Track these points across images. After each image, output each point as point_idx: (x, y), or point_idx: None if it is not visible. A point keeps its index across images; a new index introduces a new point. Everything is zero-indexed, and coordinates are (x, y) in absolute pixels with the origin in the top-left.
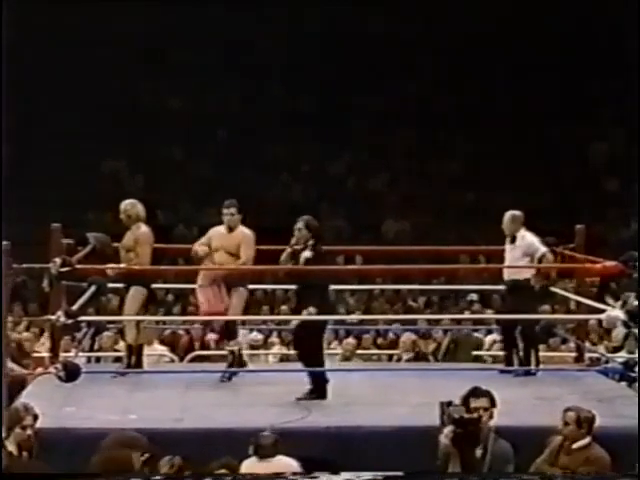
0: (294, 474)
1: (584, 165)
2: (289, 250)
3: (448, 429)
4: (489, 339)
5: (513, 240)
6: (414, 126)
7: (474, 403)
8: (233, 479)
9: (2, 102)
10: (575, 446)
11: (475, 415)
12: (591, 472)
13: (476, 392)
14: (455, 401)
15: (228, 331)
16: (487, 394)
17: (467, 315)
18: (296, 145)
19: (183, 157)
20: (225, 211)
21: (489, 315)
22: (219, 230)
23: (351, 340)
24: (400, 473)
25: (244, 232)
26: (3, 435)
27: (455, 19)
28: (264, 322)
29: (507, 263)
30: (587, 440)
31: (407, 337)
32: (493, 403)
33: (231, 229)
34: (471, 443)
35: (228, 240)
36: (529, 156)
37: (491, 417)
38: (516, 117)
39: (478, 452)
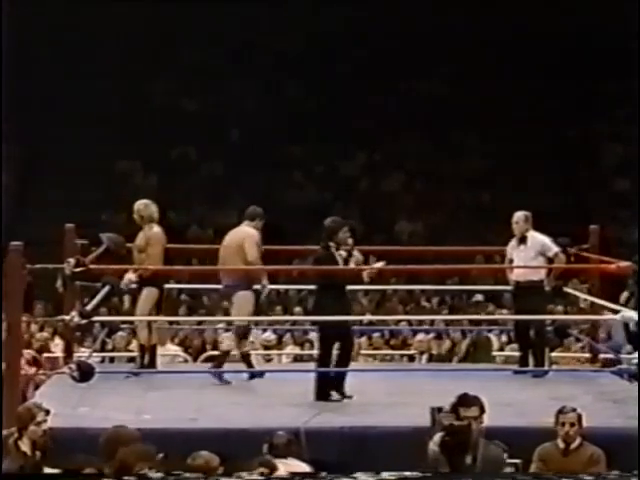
0: (314, 474)
1: (598, 166)
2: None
3: (437, 436)
4: (501, 340)
5: (523, 240)
6: (428, 126)
7: (464, 412)
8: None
9: (2, 103)
10: (572, 446)
11: (465, 422)
12: (599, 471)
13: (465, 401)
14: (446, 407)
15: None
16: (477, 402)
17: (482, 316)
18: (310, 145)
19: (197, 157)
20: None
21: (505, 316)
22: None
23: None
24: (414, 473)
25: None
26: (15, 435)
27: (470, 19)
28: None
29: (519, 263)
30: (580, 439)
31: (421, 338)
32: (483, 410)
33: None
34: (460, 450)
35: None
36: (543, 157)
37: (481, 423)
38: (531, 118)
39: (468, 458)
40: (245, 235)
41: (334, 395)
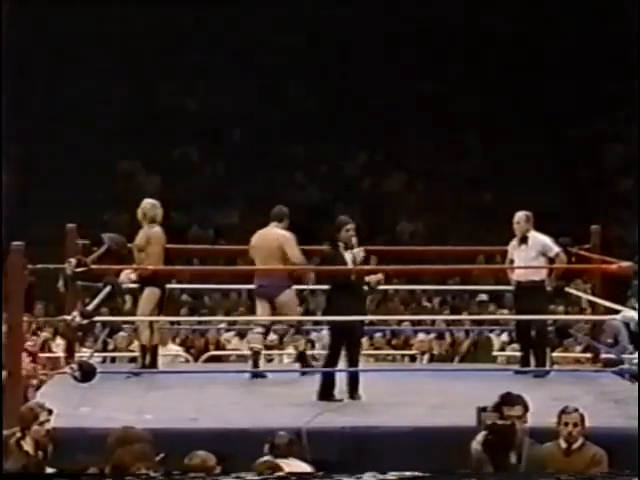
0: (315, 475)
1: (599, 166)
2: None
3: (480, 435)
4: (502, 339)
5: (524, 240)
6: (430, 126)
7: (508, 411)
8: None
9: (2, 103)
10: (574, 447)
11: (508, 422)
12: (601, 471)
13: (509, 400)
14: (489, 406)
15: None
16: (520, 401)
17: (483, 316)
18: (312, 145)
19: (199, 157)
20: None
21: (507, 316)
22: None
23: None
24: (416, 473)
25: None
26: (18, 435)
27: (471, 19)
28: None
29: (520, 264)
30: (582, 439)
31: (422, 338)
32: (526, 409)
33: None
34: (503, 449)
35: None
36: (545, 156)
37: (524, 422)
38: (532, 117)
39: (513, 458)
40: (281, 236)
41: (338, 395)
